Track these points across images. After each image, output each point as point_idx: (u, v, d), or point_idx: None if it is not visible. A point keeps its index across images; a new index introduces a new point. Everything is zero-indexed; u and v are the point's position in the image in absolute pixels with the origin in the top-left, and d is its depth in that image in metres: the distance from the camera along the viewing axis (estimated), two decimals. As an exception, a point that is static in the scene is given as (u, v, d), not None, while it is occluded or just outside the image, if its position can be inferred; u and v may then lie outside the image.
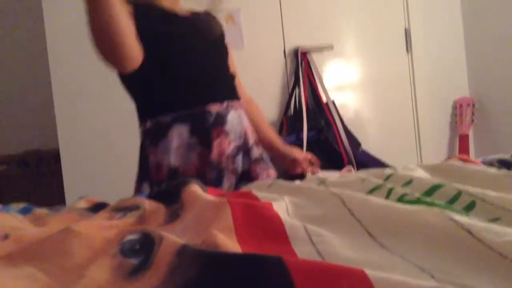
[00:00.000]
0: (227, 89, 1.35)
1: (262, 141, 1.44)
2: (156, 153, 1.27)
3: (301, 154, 1.54)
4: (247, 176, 1.31)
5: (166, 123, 1.26)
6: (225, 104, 1.29)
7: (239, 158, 1.31)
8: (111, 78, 2.38)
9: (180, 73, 1.29)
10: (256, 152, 1.36)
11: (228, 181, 1.28)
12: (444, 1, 2.61)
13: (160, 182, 1.24)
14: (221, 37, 1.42)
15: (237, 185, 1.28)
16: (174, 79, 1.29)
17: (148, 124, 1.31)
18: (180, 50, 1.29)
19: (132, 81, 1.33)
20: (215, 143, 1.25)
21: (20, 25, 3.06)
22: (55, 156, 2.44)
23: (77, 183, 2.36)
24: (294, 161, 1.49)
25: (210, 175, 1.25)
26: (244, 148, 1.32)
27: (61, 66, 2.36)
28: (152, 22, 1.25)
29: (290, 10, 2.44)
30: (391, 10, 2.54)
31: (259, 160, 1.36)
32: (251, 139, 1.35)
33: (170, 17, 1.32)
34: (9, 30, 3.09)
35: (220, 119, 1.27)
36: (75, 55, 2.37)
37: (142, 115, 1.34)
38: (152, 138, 1.29)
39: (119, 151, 2.39)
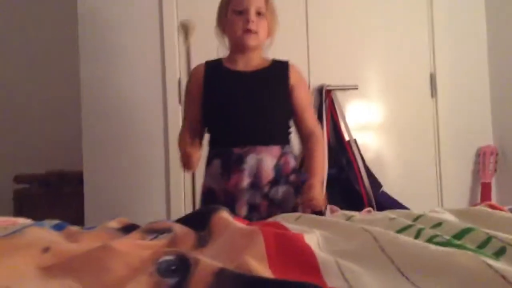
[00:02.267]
0: (253, 136, 1.62)
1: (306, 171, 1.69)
2: (206, 173, 1.69)
3: (313, 185, 1.59)
4: (257, 209, 1.58)
5: (211, 154, 1.67)
6: (246, 148, 1.59)
7: (251, 192, 1.58)
8: (139, 103, 2.45)
9: (220, 120, 1.65)
10: (270, 190, 1.59)
11: (239, 210, 1.57)
12: (471, 48, 2.63)
13: (203, 195, 1.70)
14: (271, 92, 1.67)
15: (247, 216, 1.55)
16: (217, 123, 1.67)
17: (208, 151, 1.70)
18: (225, 104, 1.64)
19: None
20: (233, 177, 1.58)
21: (52, 44, 3.16)
22: (78, 178, 2.47)
23: (97, 205, 2.39)
24: (308, 200, 1.57)
25: (226, 202, 1.54)
26: (256, 185, 1.58)
27: (92, 88, 2.43)
28: (213, 81, 1.66)
29: (317, 48, 2.48)
30: (417, 55, 2.57)
31: (270, 198, 1.60)
32: (265, 179, 1.59)
33: (230, 76, 1.68)
34: (41, 49, 3.18)
35: (240, 160, 1.59)
36: (106, 76, 2.44)
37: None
38: (207, 162, 1.69)
39: (142, 177, 2.42)
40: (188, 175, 2.37)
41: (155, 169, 2.43)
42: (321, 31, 2.49)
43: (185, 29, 1.65)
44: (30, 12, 3.22)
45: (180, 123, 2.40)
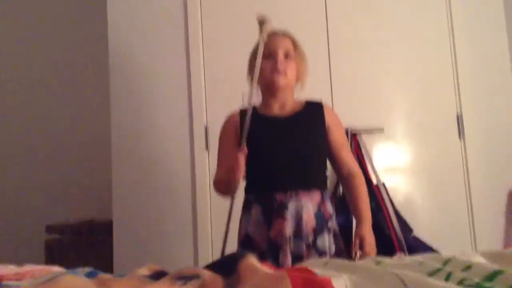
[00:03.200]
0: (294, 181, 1.61)
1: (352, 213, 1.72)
2: (243, 220, 1.67)
3: (364, 237, 1.62)
4: (300, 259, 1.51)
5: (250, 200, 1.67)
6: (288, 194, 1.58)
7: (295, 241, 1.55)
8: (166, 151, 2.51)
9: (260, 167, 1.66)
10: (314, 239, 1.57)
11: (283, 259, 1.52)
12: (497, 87, 2.61)
13: (240, 243, 1.65)
14: (309, 135, 1.69)
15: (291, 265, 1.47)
16: (257, 169, 1.66)
17: (244, 197, 1.71)
18: (265, 150, 1.66)
19: None
20: (275, 225, 1.56)
21: (84, 96, 3.28)
22: (108, 226, 2.51)
23: (126, 253, 2.41)
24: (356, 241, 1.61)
25: (268, 251, 1.55)
26: (300, 234, 1.56)
27: (121, 138, 2.50)
28: (250, 129, 1.62)
29: (341, 91, 2.51)
30: (443, 96, 2.57)
31: (313, 246, 1.57)
32: (309, 227, 1.57)
33: (267, 122, 1.69)
34: (73, 100, 3.30)
35: (282, 206, 1.57)
36: (135, 125, 2.52)
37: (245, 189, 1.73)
38: (244, 209, 1.69)
39: (170, 225, 2.45)
40: (217, 223, 2.38)
41: (183, 217, 2.45)
42: (345, 74, 2.54)
43: (261, 24, 1.67)
44: (63, 61, 3.36)
45: (207, 169, 2.45)
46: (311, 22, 2.57)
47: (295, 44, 1.74)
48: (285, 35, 1.75)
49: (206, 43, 2.57)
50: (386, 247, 2.16)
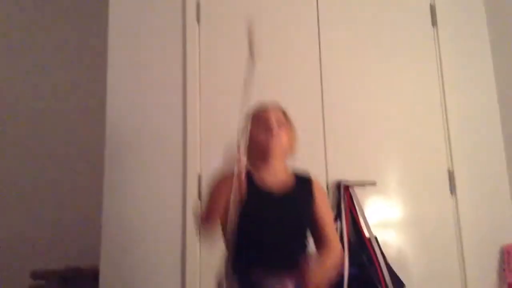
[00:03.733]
0: (276, 261, 1.58)
1: None
2: None
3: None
4: None
5: (232, 268, 1.60)
6: (267, 273, 1.53)
7: None
8: (158, 198, 2.48)
9: (246, 243, 1.59)
10: None
11: None
12: (488, 144, 2.66)
13: None
14: (296, 217, 1.66)
15: None
16: (242, 245, 1.58)
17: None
18: (251, 230, 1.60)
19: None
20: None
21: (76, 142, 3.28)
22: (94, 274, 2.46)
23: (112, 303, 2.35)
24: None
25: None
26: None
27: (112, 188, 2.48)
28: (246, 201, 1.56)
29: (334, 144, 2.54)
30: (434, 152, 2.60)
31: None
32: None
33: (261, 197, 1.64)
34: (64, 149, 3.30)
35: (260, 285, 1.51)
36: (126, 168, 2.50)
37: None
38: (223, 276, 1.62)
39: (159, 279, 2.39)
40: (207, 278, 2.33)
41: (172, 268, 2.40)
42: (338, 128, 2.58)
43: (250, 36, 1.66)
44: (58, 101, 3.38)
45: (197, 221, 2.42)
46: (305, 74, 2.64)
47: (285, 115, 1.77)
48: (275, 106, 1.78)
49: (203, 89, 2.60)
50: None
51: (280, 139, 1.67)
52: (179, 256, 2.41)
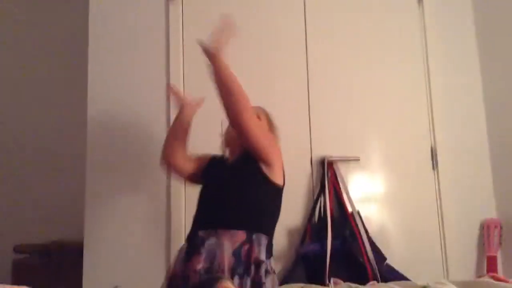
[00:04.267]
0: (216, 220, 1.68)
1: None
2: (175, 260, 1.73)
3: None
4: None
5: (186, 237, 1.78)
6: (208, 231, 1.64)
7: (203, 277, 1.54)
8: (142, 177, 2.47)
9: (198, 205, 1.81)
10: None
11: None
12: (470, 120, 2.68)
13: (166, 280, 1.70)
14: (237, 179, 1.76)
15: None
16: (197, 208, 1.81)
17: None
18: (203, 190, 1.85)
19: None
20: (192, 259, 1.60)
21: (58, 111, 3.23)
22: (78, 249, 2.45)
23: (96, 276, 2.35)
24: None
25: (179, 283, 1.59)
26: (211, 270, 1.55)
27: (96, 156, 2.47)
28: (205, 168, 1.96)
29: (318, 120, 2.54)
30: (417, 128, 2.62)
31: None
32: (222, 265, 1.55)
33: (218, 165, 1.94)
34: (48, 122, 3.25)
35: (201, 242, 1.62)
36: (112, 144, 2.48)
37: None
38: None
39: (142, 250, 2.40)
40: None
41: (156, 241, 2.41)
42: (323, 104, 2.57)
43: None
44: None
45: (183, 193, 2.43)
46: (291, 53, 2.61)
47: (268, 119, 1.99)
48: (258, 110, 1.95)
49: (187, 73, 2.56)
50: (360, 274, 2.16)
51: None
52: (164, 231, 2.41)
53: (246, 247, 1.61)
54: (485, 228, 2.53)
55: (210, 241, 1.61)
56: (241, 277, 1.55)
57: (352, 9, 2.71)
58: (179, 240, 2.32)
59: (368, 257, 2.24)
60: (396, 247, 2.46)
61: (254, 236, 1.63)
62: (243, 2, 2.66)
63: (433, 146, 2.61)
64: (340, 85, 2.61)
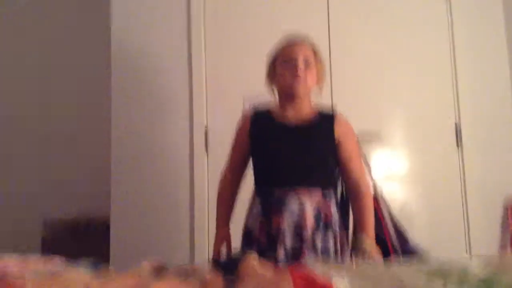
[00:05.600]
0: (294, 178, 1.66)
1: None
2: (247, 213, 1.75)
3: (368, 247, 1.68)
4: (298, 255, 1.57)
5: (254, 194, 1.75)
6: (287, 190, 1.63)
7: (291, 235, 1.59)
8: (166, 151, 2.51)
9: (265, 165, 1.74)
10: (312, 236, 1.60)
11: (280, 252, 1.57)
12: (495, 97, 2.63)
13: (243, 235, 1.73)
14: (314, 147, 1.71)
15: (286, 260, 1.56)
16: (261, 167, 1.74)
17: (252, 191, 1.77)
18: (270, 153, 1.72)
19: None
20: (273, 219, 1.60)
21: (85, 94, 3.27)
22: (105, 224, 2.52)
23: (123, 252, 2.41)
24: (361, 254, 1.66)
25: (266, 244, 1.60)
26: (296, 230, 1.59)
27: (121, 137, 2.51)
28: (260, 135, 1.76)
29: (341, 98, 2.52)
30: (441, 104, 2.59)
31: (311, 243, 1.60)
32: (306, 223, 1.60)
33: (276, 130, 1.74)
34: (74, 98, 3.29)
35: (280, 202, 1.62)
36: (135, 125, 2.52)
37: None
38: (250, 201, 1.76)
39: (168, 225, 2.45)
40: (214, 222, 2.39)
41: (180, 215, 2.46)
42: (345, 80, 2.56)
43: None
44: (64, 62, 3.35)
45: (206, 170, 2.46)
46: (312, 29, 2.58)
47: (314, 51, 1.77)
48: (304, 42, 1.77)
49: (209, 44, 2.58)
50: (381, 253, 2.16)
51: (305, 83, 1.70)
52: (187, 206, 2.46)
53: (323, 204, 1.67)
54: (510, 205, 2.50)
55: (291, 201, 1.63)
56: (323, 234, 1.63)
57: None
58: (203, 211, 2.38)
59: (390, 235, 2.23)
60: (419, 225, 2.46)
61: (329, 193, 1.71)
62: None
63: (457, 123, 2.57)
64: (364, 63, 2.58)
